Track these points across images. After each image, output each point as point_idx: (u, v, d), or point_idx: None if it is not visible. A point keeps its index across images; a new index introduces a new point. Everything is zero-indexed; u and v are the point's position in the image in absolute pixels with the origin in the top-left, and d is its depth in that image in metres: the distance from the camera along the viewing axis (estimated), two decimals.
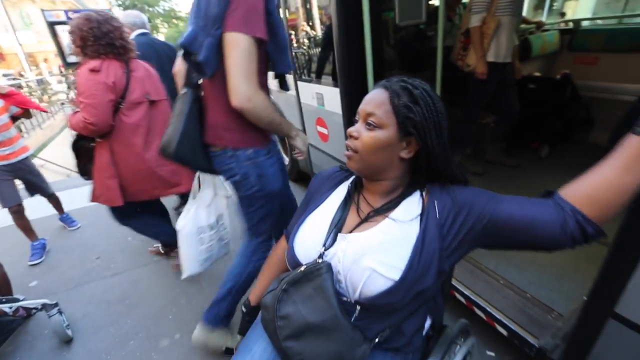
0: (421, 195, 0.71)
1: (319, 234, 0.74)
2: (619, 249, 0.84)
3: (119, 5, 23.36)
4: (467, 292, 1.50)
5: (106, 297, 1.95)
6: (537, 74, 2.73)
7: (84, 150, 1.70)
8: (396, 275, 0.63)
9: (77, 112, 1.55)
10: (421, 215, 0.69)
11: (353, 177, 0.81)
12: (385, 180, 0.72)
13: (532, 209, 0.62)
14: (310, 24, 2.21)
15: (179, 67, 1.26)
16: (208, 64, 0.96)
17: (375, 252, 0.66)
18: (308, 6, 2.31)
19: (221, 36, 0.91)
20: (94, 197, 1.74)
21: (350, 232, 0.72)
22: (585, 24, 3.00)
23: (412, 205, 0.71)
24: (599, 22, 3.32)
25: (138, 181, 1.72)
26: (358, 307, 0.69)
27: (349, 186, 0.79)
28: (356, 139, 0.69)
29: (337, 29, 1.64)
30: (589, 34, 2.77)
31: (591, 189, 0.59)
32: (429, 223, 0.67)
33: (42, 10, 3.83)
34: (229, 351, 0.98)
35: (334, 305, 0.67)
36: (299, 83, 2.33)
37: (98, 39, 1.52)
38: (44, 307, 1.62)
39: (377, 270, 0.64)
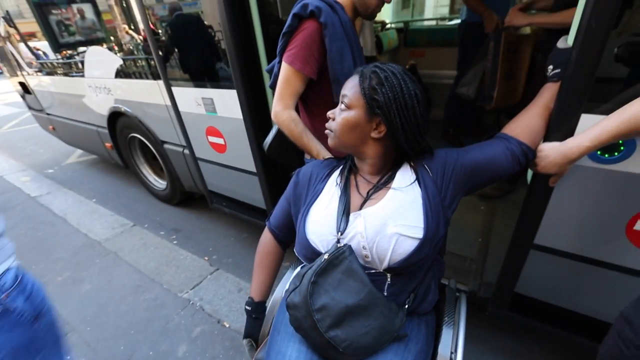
0: (410, 165, 0.81)
1: (330, 220, 0.77)
2: (533, 191, 1.04)
3: None
4: None
5: None
6: None
7: None
8: (419, 233, 0.71)
9: None
10: (417, 179, 0.78)
11: (342, 164, 0.87)
12: (369, 159, 0.79)
13: (489, 150, 0.81)
14: (133, 26, 1.86)
15: None
16: (274, 88, 1.17)
17: (395, 218, 0.72)
18: (124, 4, 1.96)
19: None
20: None
21: (360, 209, 0.77)
22: (411, 25, 3.71)
23: (406, 173, 0.79)
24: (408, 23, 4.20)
25: None
26: (389, 275, 0.74)
27: (344, 172, 0.84)
28: (333, 120, 0.78)
29: (226, 27, 1.45)
30: (415, 32, 3.45)
31: (526, 125, 0.84)
32: (426, 183, 0.77)
33: None
34: None
35: (367, 282, 0.71)
36: (174, 89, 1.94)
37: None
38: None
39: (403, 234, 0.71)
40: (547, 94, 0.87)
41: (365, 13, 1.12)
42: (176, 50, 1.84)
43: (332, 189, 0.83)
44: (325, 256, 0.72)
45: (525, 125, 0.84)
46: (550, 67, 0.89)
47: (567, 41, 0.86)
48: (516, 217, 1.14)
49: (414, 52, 3.42)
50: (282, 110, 1.11)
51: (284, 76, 1.08)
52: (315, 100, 1.18)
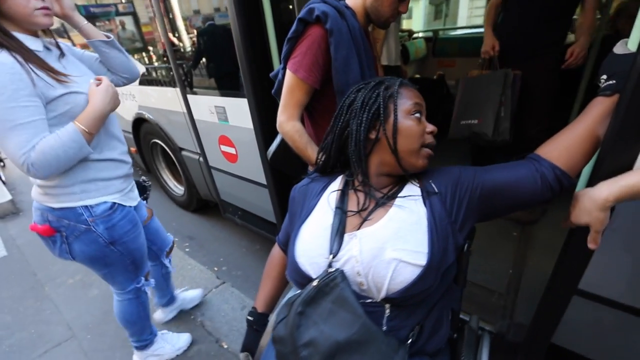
0: (414, 182, 0.73)
1: (321, 241, 0.68)
2: (577, 232, 0.87)
3: None
4: None
5: None
6: (417, 75, 3.06)
7: None
8: (422, 259, 0.62)
9: None
10: (422, 197, 0.69)
11: (339, 178, 0.79)
12: (384, 174, 0.73)
13: (514, 171, 0.68)
14: (176, 35, 1.85)
15: None
16: (277, 95, 1.12)
17: (395, 241, 0.63)
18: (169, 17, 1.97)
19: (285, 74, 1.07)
20: None
21: (358, 229, 0.67)
22: (441, 34, 3.55)
23: (410, 190, 0.71)
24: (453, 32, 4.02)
25: None
26: (387, 306, 0.65)
27: (341, 187, 0.76)
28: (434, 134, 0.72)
29: (238, 37, 1.40)
30: (445, 42, 3.28)
31: (564, 147, 0.67)
32: (432, 202, 0.68)
33: None
34: None
35: (361, 313, 0.61)
36: (190, 97, 1.92)
37: None
38: None
39: (403, 260, 0.62)
40: (597, 110, 0.68)
41: (378, 22, 1.05)
42: (191, 58, 1.83)
43: (325, 205, 0.74)
44: (315, 282, 0.63)
45: (563, 147, 0.68)
46: (604, 77, 0.72)
47: (626, 45, 0.70)
48: (556, 247, 0.96)
49: (443, 62, 3.25)
50: (286, 121, 1.05)
51: (288, 85, 1.02)
52: (320, 110, 1.10)
